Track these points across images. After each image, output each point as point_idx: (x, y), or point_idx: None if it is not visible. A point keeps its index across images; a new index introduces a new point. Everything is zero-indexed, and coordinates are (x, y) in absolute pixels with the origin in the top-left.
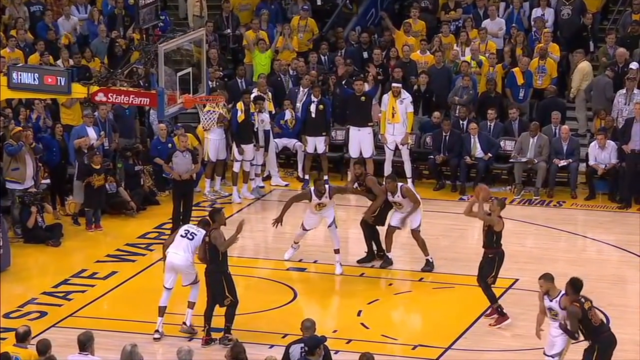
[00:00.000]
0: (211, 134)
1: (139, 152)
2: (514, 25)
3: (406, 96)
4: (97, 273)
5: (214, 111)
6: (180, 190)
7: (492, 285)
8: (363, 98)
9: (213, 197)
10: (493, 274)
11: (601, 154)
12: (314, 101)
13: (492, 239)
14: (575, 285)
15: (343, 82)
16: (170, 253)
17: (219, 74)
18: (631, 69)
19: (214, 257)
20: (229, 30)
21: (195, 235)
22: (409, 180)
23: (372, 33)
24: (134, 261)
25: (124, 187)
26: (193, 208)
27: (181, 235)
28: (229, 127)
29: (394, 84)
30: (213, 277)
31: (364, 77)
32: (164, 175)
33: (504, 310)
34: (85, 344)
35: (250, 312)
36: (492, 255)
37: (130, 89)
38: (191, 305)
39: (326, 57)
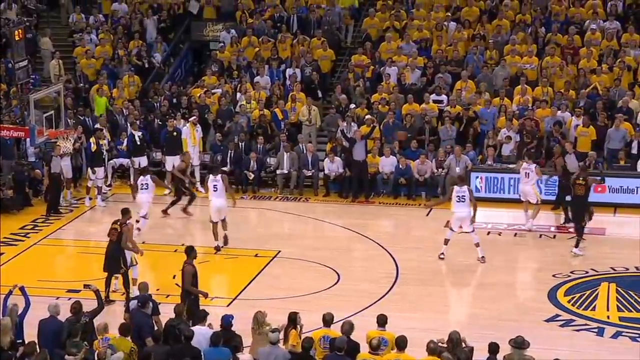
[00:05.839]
0: (64, 159)
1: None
2: (276, 79)
3: (199, 127)
4: None
5: (67, 144)
6: (57, 185)
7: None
8: (175, 133)
9: (65, 205)
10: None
11: (332, 166)
12: (133, 133)
13: None
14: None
15: (158, 119)
16: None
17: (79, 118)
18: (350, 108)
19: None
20: (81, 84)
21: None
22: (198, 183)
23: (179, 85)
24: (16, 245)
25: (14, 191)
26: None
27: None
28: (80, 154)
29: (191, 118)
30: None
31: (174, 117)
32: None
33: None
34: None
35: (100, 277)
36: None
37: (10, 126)
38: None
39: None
